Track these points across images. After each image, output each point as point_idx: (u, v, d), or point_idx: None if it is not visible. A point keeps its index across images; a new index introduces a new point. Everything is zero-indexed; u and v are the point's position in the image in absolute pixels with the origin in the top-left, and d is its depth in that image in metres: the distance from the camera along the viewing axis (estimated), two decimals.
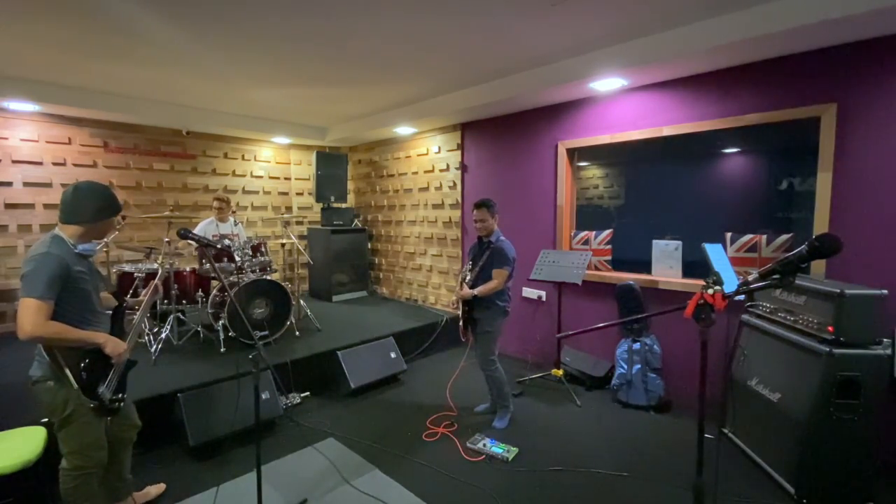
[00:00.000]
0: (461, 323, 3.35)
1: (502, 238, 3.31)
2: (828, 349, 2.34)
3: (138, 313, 2.26)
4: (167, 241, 4.22)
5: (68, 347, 1.89)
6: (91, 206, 1.98)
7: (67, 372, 1.87)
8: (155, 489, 2.53)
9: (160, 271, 2.59)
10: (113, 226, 2.14)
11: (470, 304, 3.28)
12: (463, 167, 5.39)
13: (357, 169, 7.17)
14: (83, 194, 1.99)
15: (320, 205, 6.53)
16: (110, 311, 2.17)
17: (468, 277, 3.31)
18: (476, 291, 3.19)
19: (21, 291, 1.80)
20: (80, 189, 1.99)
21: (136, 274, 4.04)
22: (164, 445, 2.98)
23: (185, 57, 3.53)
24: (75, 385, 1.88)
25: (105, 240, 3.99)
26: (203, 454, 2.92)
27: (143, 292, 2.33)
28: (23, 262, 1.87)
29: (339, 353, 3.98)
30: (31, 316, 1.76)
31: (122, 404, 2.09)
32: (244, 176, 6.35)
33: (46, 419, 2.63)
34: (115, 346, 1.99)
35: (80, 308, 1.96)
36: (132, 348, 2.13)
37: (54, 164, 4.84)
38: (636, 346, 3.67)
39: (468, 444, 3.04)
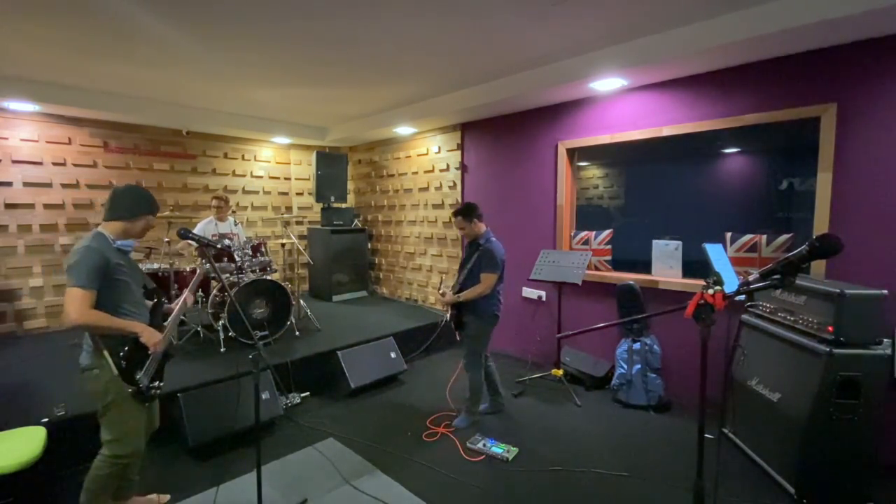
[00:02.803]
0: (453, 325, 3.38)
1: (492, 239, 3.26)
2: (828, 349, 2.34)
3: (175, 311, 2.37)
4: (167, 241, 4.23)
5: (108, 335, 2.01)
6: (128, 203, 2.15)
7: (108, 357, 2.00)
8: (158, 498, 2.50)
9: (199, 270, 2.77)
10: (151, 225, 2.28)
11: (458, 307, 3.28)
12: (463, 167, 5.39)
13: (357, 169, 7.17)
14: (122, 193, 2.17)
15: (320, 205, 6.53)
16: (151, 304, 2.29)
17: (451, 282, 3.34)
18: (460, 297, 3.19)
19: (66, 282, 1.95)
20: (119, 190, 2.18)
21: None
22: (164, 445, 2.97)
23: (186, 57, 3.53)
24: (114, 371, 2.01)
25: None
26: (203, 454, 2.92)
27: (182, 296, 2.43)
28: (68, 256, 2.01)
29: (339, 353, 3.98)
30: (75, 304, 1.90)
31: (159, 392, 2.21)
32: (244, 176, 6.35)
33: (46, 419, 2.65)
34: (150, 336, 2.10)
35: (119, 299, 2.08)
36: (167, 340, 2.22)
37: (54, 164, 4.84)
38: (636, 346, 3.67)
39: (468, 444, 3.04)
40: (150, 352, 2.11)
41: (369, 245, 6.91)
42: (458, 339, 3.44)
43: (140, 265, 4.31)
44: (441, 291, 3.36)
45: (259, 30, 3.03)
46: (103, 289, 1.99)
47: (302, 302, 5.09)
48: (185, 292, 2.41)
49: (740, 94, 3.29)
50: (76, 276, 1.92)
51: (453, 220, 3.31)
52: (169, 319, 2.30)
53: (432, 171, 5.81)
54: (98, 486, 2.12)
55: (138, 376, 2.08)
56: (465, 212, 3.23)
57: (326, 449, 3.04)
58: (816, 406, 2.35)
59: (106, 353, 1.99)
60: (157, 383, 2.18)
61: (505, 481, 2.69)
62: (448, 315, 3.36)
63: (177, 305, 2.36)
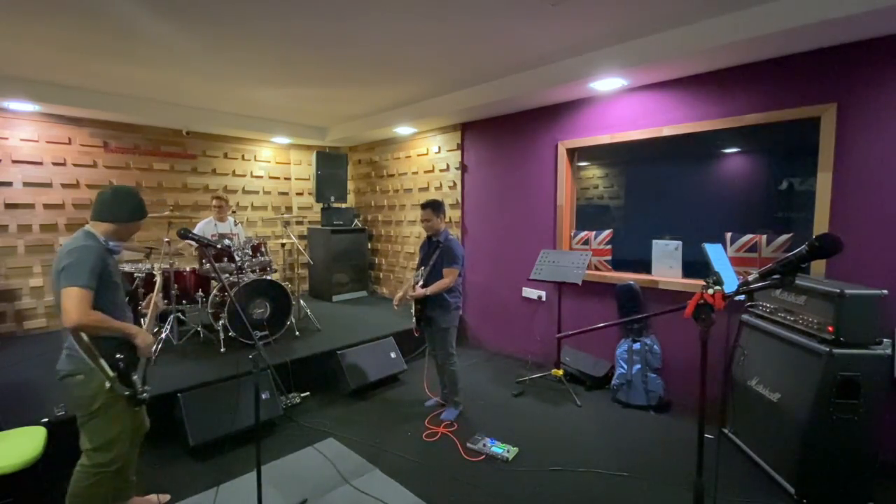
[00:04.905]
0: (414, 320, 3.46)
1: (450, 237, 3.44)
2: (828, 349, 2.34)
3: (149, 314, 2.31)
4: (167, 241, 4.23)
5: (104, 338, 1.92)
6: (128, 207, 2.10)
7: (103, 362, 1.90)
8: (158, 498, 2.49)
9: (158, 279, 2.57)
10: (138, 229, 2.23)
11: (423, 302, 3.38)
12: (463, 167, 5.39)
13: (357, 169, 7.17)
14: (122, 196, 2.10)
15: (320, 205, 6.53)
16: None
17: (419, 278, 3.42)
18: (428, 291, 3.30)
19: (63, 281, 1.85)
20: (118, 191, 2.13)
21: (135, 274, 4.04)
22: (164, 445, 2.97)
23: (186, 57, 3.53)
24: (111, 373, 1.91)
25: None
26: (203, 454, 2.92)
27: (145, 302, 2.37)
28: (61, 256, 1.92)
29: (339, 353, 3.98)
30: (77, 304, 1.81)
31: (148, 395, 2.10)
32: (244, 176, 6.35)
33: (46, 419, 2.65)
34: (145, 338, 2.05)
35: (112, 300, 2.02)
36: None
37: (54, 164, 4.84)
38: (636, 346, 3.67)
39: (468, 444, 3.04)
40: (139, 354, 2.05)
41: (369, 245, 6.91)
42: (416, 334, 3.56)
43: (140, 265, 4.35)
44: (412, 285, 3.46)
45: (259, 30, 3.03)
46: (98, 290, 1.91)
47: (302, 302, 5.09)
48: (153, 295, 2.33)
49: (740, 94, 3.29)
50: (76, 275, 1.84)
51: (421, 212, 3.43)
52: (146, 323, 2.22)
53: (432, 171, 5.81)
54: (82, 500, 2.01)
55: (134, 377, 2.00)
56: (435, 206, 3.41)
57: (326, 449, 3.03)
58: (816, 406, 2.35)
59: (101, 357, 1.89)
60: (147, 387, 2.11)
61: (505, 481, 2.69)
62: (413, 310, 3.45)
63: (149, 308, 2.30)
